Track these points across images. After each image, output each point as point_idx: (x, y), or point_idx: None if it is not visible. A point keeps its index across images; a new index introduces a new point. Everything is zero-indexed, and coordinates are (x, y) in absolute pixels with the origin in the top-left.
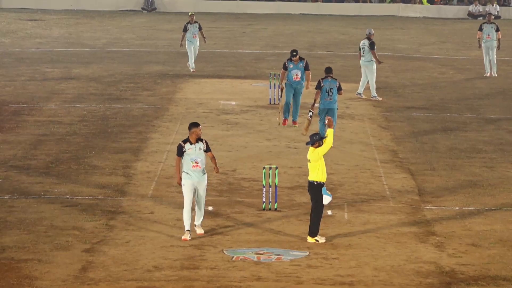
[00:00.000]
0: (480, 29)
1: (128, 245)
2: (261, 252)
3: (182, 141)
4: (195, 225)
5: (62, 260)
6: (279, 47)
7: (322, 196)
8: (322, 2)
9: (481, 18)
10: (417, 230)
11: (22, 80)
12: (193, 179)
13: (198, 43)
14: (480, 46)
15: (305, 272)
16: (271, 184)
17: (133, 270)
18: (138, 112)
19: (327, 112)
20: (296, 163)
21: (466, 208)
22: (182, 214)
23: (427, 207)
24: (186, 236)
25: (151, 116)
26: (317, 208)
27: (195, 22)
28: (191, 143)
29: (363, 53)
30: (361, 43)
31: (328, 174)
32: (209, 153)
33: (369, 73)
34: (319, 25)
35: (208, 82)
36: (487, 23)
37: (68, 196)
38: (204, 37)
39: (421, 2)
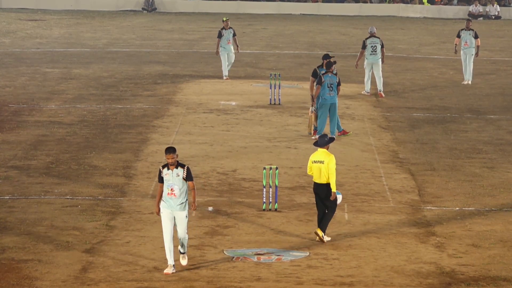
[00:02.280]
0: (458, 36)
1: (128, 246)
2: (261, 252)
3: (162, 166)
4: (180, 253)
5: (62, 260)
6: (279, 47)
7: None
8: (322, 2)
9: (481, 18)
10: (417, 230)
11: (22, 80)
12: (169, 208)
13: (233, 50)
14: (456, 52)
15: (305, 272)
16: (271, 184)
17: (133, 271)
18: (138, 112)
19: (330, 106)
20: (296, 163)
21: (466, 208)
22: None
23: (427, 208)
24: (169, 270)
25: (151, 117)
26: (333, 207)
27: (230, 28)
28: (168, 168)
29: (375, 51)
30: (369, 41)
31: None
32: (189, 182)
33: (378, 70)
34: (319, 25)
35: (208, 82)
36: (465, 30)
37: (68, 197)
38: (237, 45)
39: (421, 2)
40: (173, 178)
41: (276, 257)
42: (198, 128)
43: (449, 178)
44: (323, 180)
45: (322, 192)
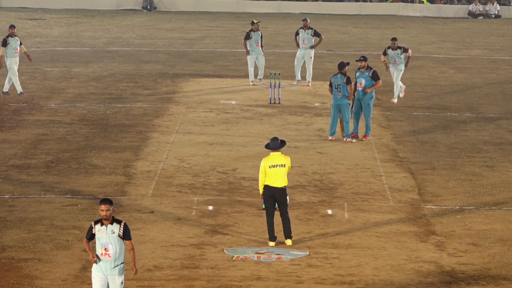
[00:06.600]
0: (384, 54)
1: None
2: (261, 251)
3: (94, 221)
4: None
5: (62, 259)
6: (280, 46)
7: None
8: (322, 1)
9: (481, 17)
10: (417, 229)
11: (22, 79)
12: (102, 271)
13: (262, 52)
14: (387, 69)
15: (305, 271)
16: None
17: None
18: (138, 112)
19: (339, 108)
20: (296, 162)
21: (466, 207)
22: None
23: (427, 207)
24: None
25: (151, 116)
26: (287, 211)
27: (258, 30)
28: (102, 224)
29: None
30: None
31: (328, 173)
32: (127, 242)
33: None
34: (319, 24)
35: (208, 81)
36: (392, 49)
37: (68, 196)
38: (262, 46)
39: (421, 1)
40: (108, 236)
41: (276, 256)
42: (198, 127)
43: (449, 177)
44: (280, 184)
45: (279, 195)
